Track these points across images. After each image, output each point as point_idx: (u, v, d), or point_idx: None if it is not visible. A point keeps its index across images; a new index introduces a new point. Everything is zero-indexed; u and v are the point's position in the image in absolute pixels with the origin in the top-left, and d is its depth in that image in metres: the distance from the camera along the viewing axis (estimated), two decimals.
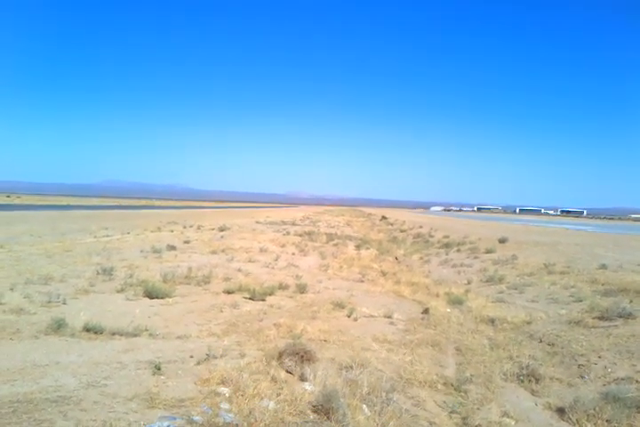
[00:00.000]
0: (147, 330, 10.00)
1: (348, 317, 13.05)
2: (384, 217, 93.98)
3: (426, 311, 14.53)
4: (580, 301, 14.50)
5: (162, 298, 13.17)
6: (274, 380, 7.51)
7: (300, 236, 39.51)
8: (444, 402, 8.20)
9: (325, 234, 43.03)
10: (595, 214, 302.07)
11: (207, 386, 6.99)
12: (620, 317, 11.98)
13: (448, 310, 14.96)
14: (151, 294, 13.20)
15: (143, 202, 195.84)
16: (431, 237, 42.92)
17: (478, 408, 8.05)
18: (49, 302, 11.64)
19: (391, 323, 13.07)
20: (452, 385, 8.86)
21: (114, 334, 9.43)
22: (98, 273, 15.75)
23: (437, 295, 17.51)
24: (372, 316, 13.58)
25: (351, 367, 8.57)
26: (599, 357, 9.83)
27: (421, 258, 30.53)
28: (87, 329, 9.37)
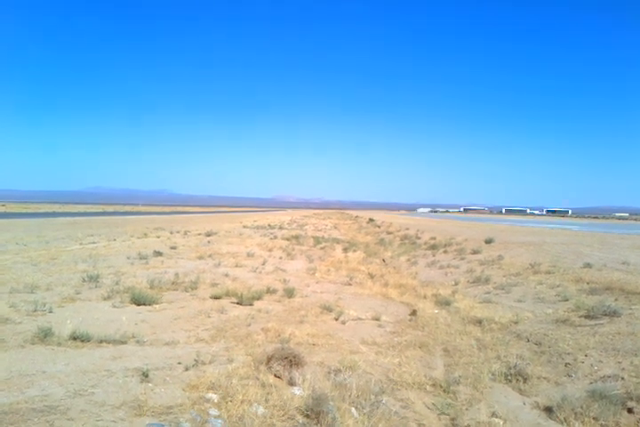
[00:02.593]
0: (134, 337, 9.96)
1: (336, 320, 13.07)
2: (371, 219, 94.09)
3: (414, 313, 14.59)
4: (566, 300, 14.58)
5: (149, 304, 13.12)
6: (263, 385, 7.51)
7: (288, 239, 39.48)
8: (433, 403, 8.23)
9: (313, 237, 43.08)
10: (579, 214, 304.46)
11: (196, 392, 6.96)
12: (606, 315, 12.08)
13: (436, 311, 15.02)
14: (138, 301, 13.14)
15: (129, 208, 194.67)
16: (418, 238, 43.02)
17: (467, 409, 8.07)
18: (35, 310, 11.51)
19: (379, 325, 13.10)
20: (441, 386, 8.88)
21: (101, 341, 9.37)
22: (84, 280, 15.64)
23: (425, 297, 17.57)
24: (360, 319, 13.60)
25: (340, 371, 8.59)
26: (586, 355, 9.89)
27: (409, 260, 30.58)
28: (74, 337, 9.29)
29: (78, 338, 9.28)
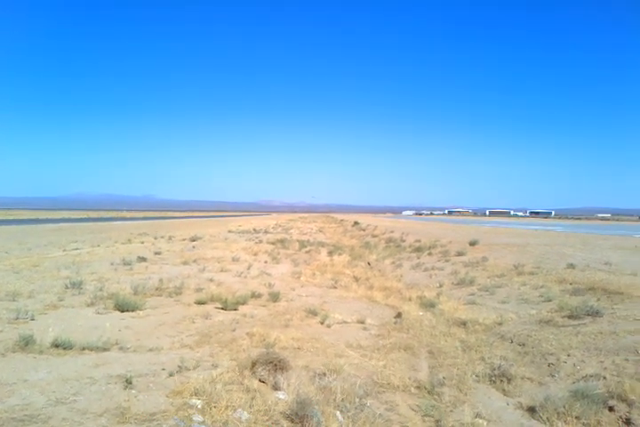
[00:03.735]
0: (117, 344, 9.91)
1: (322, 324, 13.08)
2: (356, 223, 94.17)
3: (398, 316, 14.62)
4: (550, 300, 14.70)
5: (132, 311, 13.04)
6: (247, 390, 7.48)
7: (273, 244, 39.45)
8: (418, 405, 8.24)
9: (298, 241, 43.03)
10: (562, 215, 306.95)
11: (179, 398, 6.93)
12: (589, 315, 12.18)
13: (420, 313, 15.06)
14: (122, 307, 13.06)
15: (113, 214, 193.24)
16: (403, 241, 43.13)
17: (451, 410, 8.10)
18: (16, 318, 11.38)
19: (364, 328, 13.11)
20: (426, 388, 8.90)
21: (84, 348, 9.30)
22: (67, 287, 15.52)
23: (410, 299, 17.63)
24: (345, 322, 13.61)
25: (325, 374, 8.58)
26: (568, 355, 9.97)
27: (393, 262, 30.65)
28: (56, 345, 9.21)
29: (60, 345, 9.19)
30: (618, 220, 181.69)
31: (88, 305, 13.54)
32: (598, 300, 13.65)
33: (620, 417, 7.35)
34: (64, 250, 29.76)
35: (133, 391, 7.06)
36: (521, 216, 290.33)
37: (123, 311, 12.95)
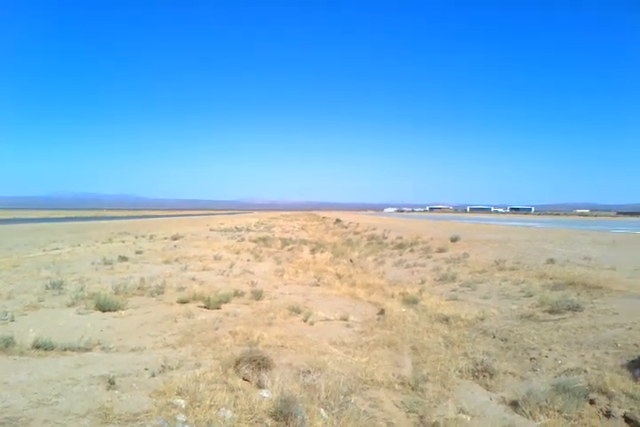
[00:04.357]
0: (99, 344, 9.83)
1: (305, 321, 13.08)
2: (338, 220, 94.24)
3: (381, 312, 14.67)
4: (531, 295, 14.82)
5: (114, 311, 12.93)
6: (231, 389, 7.46)
7: (255, 242, 39.36)
8: (402, 402, 8.28)
9: (280, 239, 43.00)
10: (542, 211, 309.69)
11: (163, 398, 6.88)
12: (569, 309, 12.31)
13: (403, 309, 15.11)
14: (103, 307, 12.94)
15: (94, 213, 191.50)
16: (385, 238, 43.24)
17: (435, 406, 8.15)
18: None
19: (347, 325, 13.14)
20: (409, 384, 8.94)
21: (65, 349, 9.21)
22: (47, 288, 15.35)
23: (392, 296, 17.67)
24: (328, 319, 13.63)
25: (309, 372, 8.58)
26: (550, 349, 10.07)
27: (376, 259, 30.70)
28: (37, 346, 9.11)
29: (41, 347, 9.09)
30: (596, 215, 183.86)
31: (69, 305, 13.40)
32: (578, 294, 13.80)
33: (601, 410, 7.46)
34: (44, 250, 29.44)
35: (116, 392, 7.00)
36: (501, 212, 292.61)
37: (104, 311, 12.83)
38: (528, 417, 7.52)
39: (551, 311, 12.59)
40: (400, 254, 31.11)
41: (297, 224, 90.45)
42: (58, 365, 8.24)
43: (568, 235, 37.12)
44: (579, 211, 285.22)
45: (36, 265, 21.40)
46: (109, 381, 7.26)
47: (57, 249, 30.02)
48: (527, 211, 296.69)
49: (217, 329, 11.61)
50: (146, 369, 8.19)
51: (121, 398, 6.81)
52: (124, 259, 23.91)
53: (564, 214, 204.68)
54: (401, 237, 39.97)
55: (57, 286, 15.40)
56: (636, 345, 9.29)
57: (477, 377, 9.33)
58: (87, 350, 9.37)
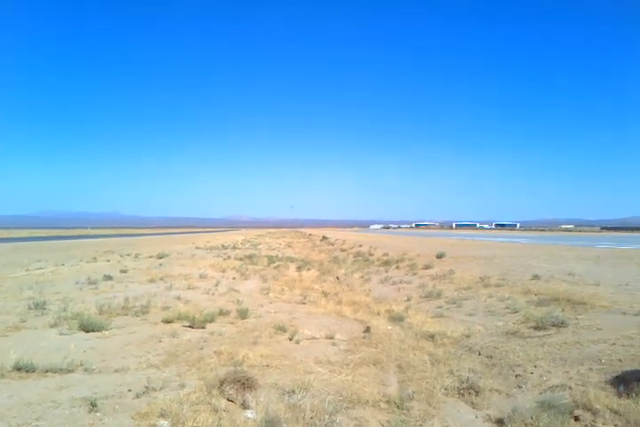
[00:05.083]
0: (82, 365, 9.70)
1: (290, 340, 13.01)
2: (324, 237, 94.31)
3: (367, 330, 14.63)
4: (516, 312, 14.87)
5: (98, 331, 12.80)
6: (215, 409, 7.40)
7: (241, 260, 39.23)
8: (387, 421, 8.22)
9: (266, 257, 42.93)
10: (527, 227, 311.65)
11: (146, 420, 6.82)
12: (554, 326, 12.36)
13: (389, 327, 15.10)
14: (87, 328, 12.81)
15: (78, 231, 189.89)
16: (371, 255, 43.32)
17: (421, 425, 8.11)
18: None
19: (333, 344, 13.08)
20: (395, 403, 8.89)
21: (47, 371, 9.10)
22: (30, 308, 15.19)
23: (378, 313, 17.66)
24: (314, 338, 13.57)
25: (294, 392, 8.51)
26: (535, 366, 10.09)
27: (362, 276, 30.70)
28: (18, 368, 8.99)
29: (23, 368, 8.98)
30: (580, 231, 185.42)
31: (52, 326, 13.24)
32: (563, 310, 13.86)
33: (586, 426, 7.47)
34: (27, 269, 29.16)
35: (98, 414, 6.93)
36: (487, 228, 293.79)
37: (88, 332, 12.70)
38: None
39: (536, 328, 12.63)
40: (386, 271, 31.15)
41: (283, 241, 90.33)
42: (39, 387, 8.15)
43: (553, 251, 37.36)
44: (564, 226, 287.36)
45: (19, 285, 21.19)
46: (92, 403, 7.18)
47: (40, 269, 29.74)
48: (512, 227, 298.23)
49: (202, 349, 11.51)
50: (129, 390, 8.11)
51: (103, 420, 6.74)
52: (108, 278, 23.71)
53: (549, 230, 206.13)
54: (387, 254, 40.06)
55: (40, 307, 15.24)
56: (619, 360, 9.34)
57: (463, 395, 9.31)
58: (70, 371, 9.25)
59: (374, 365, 11.13)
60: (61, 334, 12.50)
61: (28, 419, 6.61)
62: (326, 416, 7.68)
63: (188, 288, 21.83)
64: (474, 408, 8.83)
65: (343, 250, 55.88)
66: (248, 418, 7.29)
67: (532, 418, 7.62)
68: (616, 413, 7.49)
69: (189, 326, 13.82)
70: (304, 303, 19.70)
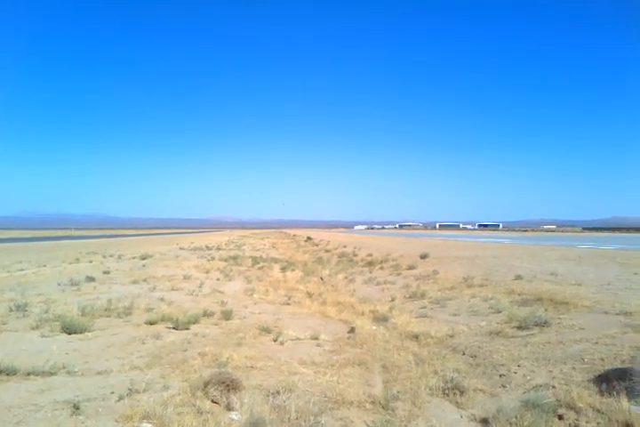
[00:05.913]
0: (64, 367, 9.58)
1: (275, 341, 12.98)
2: (309, 238, 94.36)
3: (352, 331, 14.64)
4: (499, 312, 14.97)
5: (80, 333, 12.66)
6: (199, 411, 7.36)
7: (225, 260, 39.11)
8: (372, 421, 8.21)
9: (251, 257, 42.86)
10: (510, 227, 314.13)
11: (129, 423, 6.75)
12: (537, 325, 12.46)
13: (374, 327, 15.12)
14: (69, 330, 12.67)
15: (61, 233, 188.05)
16: (355, 255, 43.41)
17: (406, 425, 8.10)
18: None
19: (318, 345, 13.07)
20: (380, 403, 8.89)
21: (28, 374, 8.98)
22: (11, 310, 14.99)
23: (363, 314, 17.69)
24: (298, 339, 13.54)
25: (279, 393, 8.49)
26: (518, 365, 10.15)
27: (346, 277, 30.74)
28: None
29: (3, 371, 8.86)
30: (563, 231, 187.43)
31: (33, 328, 13.09)
32: (546, 310, 13.97)
33: (569, 425, 7.51)
34: (8, 271, 28.83)
35: (81, 417, 6.85)
36: (470, 229, 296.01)
37: (70, 334, 12.56)
38: None
39: (519, 327, 12.72)
40: (370, 272, 31.23)
41: (267, 242, 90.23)
42: (20, 390, 8.05)
43: (535, 251, 37.69)
44: (546, 227, 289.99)
45: (0, 287, 20.91)
46: (74, 406, 7.10)
47: (22, 270, 29.43)
48: (495, 227, 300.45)
49: (186, 351, 11.43)
50: (112, 393, 8.04)
51: (85, 423, 6.67)
52: (91, 279, 23.50)
53: (532, 230, 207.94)
54: (371, 255, 40.17)
55: (21, 309, 15.05)
56: (602, 360, 9.43)
57: (448, 395, 9.33)
58: (52, 374, 9.14)
59: (359, 365, 11.13)
60: (43, 336, 12.35)
61: (8, 423, 6.52)
62: (311, 417, 7.66)
63: (172, 289, 21.70)
64: (458, 408, 8.85)
65: (327, 251, 55.93)
66: (233, 420, 7.26)
67: (516, 417, 7.66)
68: (599, 411, 7.55)
69: (173, 328, 13.72)
70: (288, 304, 19.68)
